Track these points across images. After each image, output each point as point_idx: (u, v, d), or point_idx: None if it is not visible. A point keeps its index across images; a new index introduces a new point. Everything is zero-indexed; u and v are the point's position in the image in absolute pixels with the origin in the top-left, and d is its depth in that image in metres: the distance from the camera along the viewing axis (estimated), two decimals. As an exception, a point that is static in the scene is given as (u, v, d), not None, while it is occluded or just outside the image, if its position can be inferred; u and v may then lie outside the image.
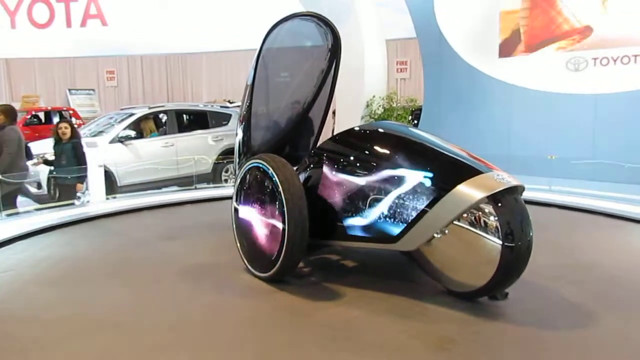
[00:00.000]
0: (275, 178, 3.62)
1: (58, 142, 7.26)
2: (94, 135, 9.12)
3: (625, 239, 5.02)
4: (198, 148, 9.83)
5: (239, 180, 4.17)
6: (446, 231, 3.25)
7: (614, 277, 3.85)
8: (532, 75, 9.19)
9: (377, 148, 3.77)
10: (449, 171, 3.33)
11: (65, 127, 7.21)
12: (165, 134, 9.76)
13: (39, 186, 8.20)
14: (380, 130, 4.00)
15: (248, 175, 4.03)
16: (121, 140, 8.97)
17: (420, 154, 3.59)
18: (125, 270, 4.20)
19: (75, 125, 8.06)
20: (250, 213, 3.96)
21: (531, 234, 3.13)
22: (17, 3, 14.93)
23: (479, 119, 9.57)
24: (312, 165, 4.06)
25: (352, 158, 3.80)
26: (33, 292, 3.73)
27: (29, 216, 6.17)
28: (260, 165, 3.81)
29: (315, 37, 4.82)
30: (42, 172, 8.14)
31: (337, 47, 4.82)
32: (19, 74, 19.56)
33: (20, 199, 8.43)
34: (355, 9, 10.62)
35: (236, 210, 4.15)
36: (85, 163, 7.17)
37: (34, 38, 15.96)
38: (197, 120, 10.37)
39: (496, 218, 3.12)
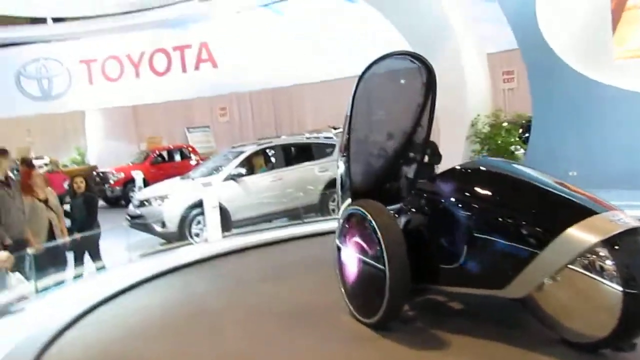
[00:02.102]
0: (374, 224, 3.64)
1: (73, 195, 7.05)
2: (209, 174, 9.72)
3: None
4: (305, 180, 10.11)
5: (340, 224, 4.25)
6: (558, 277, 3.04)
7: None
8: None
9: (479, 189, 3.62)
10: (558, 212, 3.14)
11: (81, 182, 6.90)
12: (273, 168, 10.17)
13: (163, 225, 8.87)
14: (483, 169, 3.87)
15: (348, 221, 4.10)
16: (233, 177, 9.48)
17: (526, 194, 3.42)
18: (231, 315, 4.43)
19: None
20: (352, 258, 4.00)
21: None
22: (139, 55, 16.43)
23: (595, 133, 8.81)
24: (412, 208, 4.03)
25: (453, 200, 3.70)
26: (152, 336, 4.07)
27: (153, 258, 6.70)
28: (359, 212, 3.86)
29: (410, 74, 4.82)
30: (166, 212, 8.84)
31: (431, 81, 4.77)
32: (144, 118, 21.66)
33: (146, 236, 9.21)
34: (453, 28, 10.38)
35: (339, 249, 4.22)
36: (96, 219, 6.94)
37: (155, 84, 17.42)
38: (303, 153, 10.69)
39: (613, 261, 2.87)
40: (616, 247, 2.87)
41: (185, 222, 8.76)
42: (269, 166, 10.30)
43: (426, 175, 4.67)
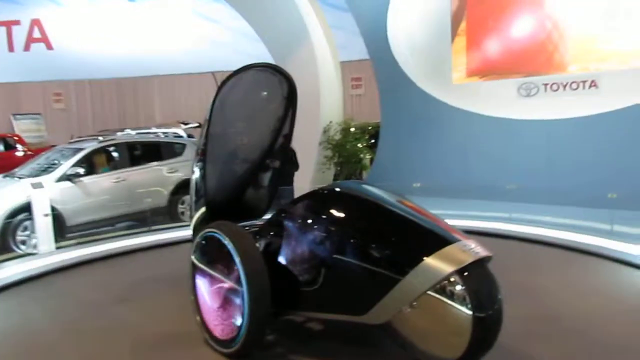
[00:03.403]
0: (233, 249, 3.46)
1: None
2: (40, 173, 8.59)
3: (591, 279, 5.05)
4: (152, 181, 9.47)
5: (196, 242, 3.98)
6: (414, 304, 3.14)
7: (582, 330, 3.83)
8: (485, 101, 9.27)
9: (340, 213, 3.63)
10: (417, 241, 3.25)
11: None
12: (116, 168, 9.34)
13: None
14: (344, 192, 3.86)
15: (206, 243, 3.85)
16: (69, 177, 8.50)
17: (386, 221, 3.47)
18: (75, 348, 3.90)
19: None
20: (209, 283, 3.76)
21: (501, 302, 3.07)
22: (-48, 26, 14.13)
23: (436, 147, 9.57)
24: (272, 231, 3.89)
25: (314, 222, 3.65)
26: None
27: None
28: (218, 236, 3.63)
29: (271, 86, 4.73)
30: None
31: (292, 94, 4.76)
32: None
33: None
34: (310, 35, 10.51)
35: (194, 267, 3.94)
36: None
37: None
38: (150, 151, 9.98)
39: (463, 287, 3.04)
40: (467, 275, 3.04)
41: (8, 229, 7.65)
42: (112, 165, 9.44)
43: (284, 184, 4.65)
